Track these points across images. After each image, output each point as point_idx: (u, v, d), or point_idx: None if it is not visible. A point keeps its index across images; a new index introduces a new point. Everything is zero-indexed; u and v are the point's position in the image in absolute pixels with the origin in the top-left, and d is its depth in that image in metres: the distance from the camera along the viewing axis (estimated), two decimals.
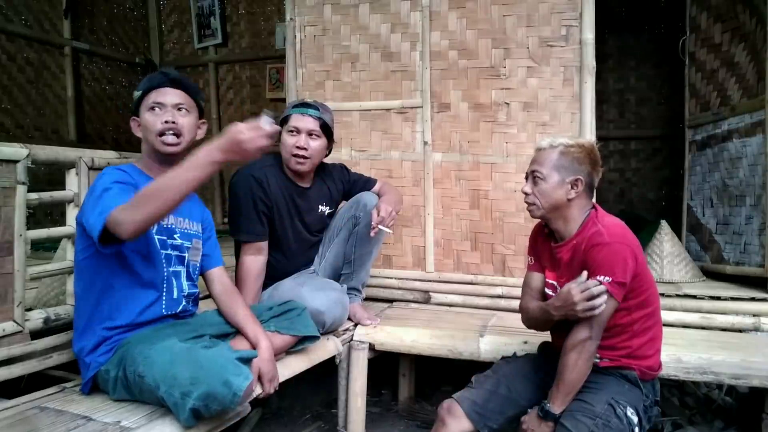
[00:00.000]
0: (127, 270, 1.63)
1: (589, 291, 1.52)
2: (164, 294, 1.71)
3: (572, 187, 1.65)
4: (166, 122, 1.66)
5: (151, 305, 1.68)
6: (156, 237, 1.69)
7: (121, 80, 5.48)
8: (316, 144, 2.25)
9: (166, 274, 1.71)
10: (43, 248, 3.02)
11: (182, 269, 1.77)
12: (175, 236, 1.75)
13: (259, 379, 1.69)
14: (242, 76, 5.44)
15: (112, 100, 5.37)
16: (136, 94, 1.73)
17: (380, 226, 2.22)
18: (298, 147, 2.21)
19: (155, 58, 5.70)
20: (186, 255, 1.78)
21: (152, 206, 1.39)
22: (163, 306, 1.71)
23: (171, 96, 1.69)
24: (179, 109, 1.70)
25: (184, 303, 1.77)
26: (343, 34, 2.91)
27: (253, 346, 1.75)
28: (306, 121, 2.22)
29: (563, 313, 1.59)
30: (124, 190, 1.51)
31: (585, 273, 1.57)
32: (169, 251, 1.73)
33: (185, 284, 1.78)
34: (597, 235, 1.60)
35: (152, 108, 1.68)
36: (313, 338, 2.00)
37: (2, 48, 4.38)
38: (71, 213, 1.93)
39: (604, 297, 1.53)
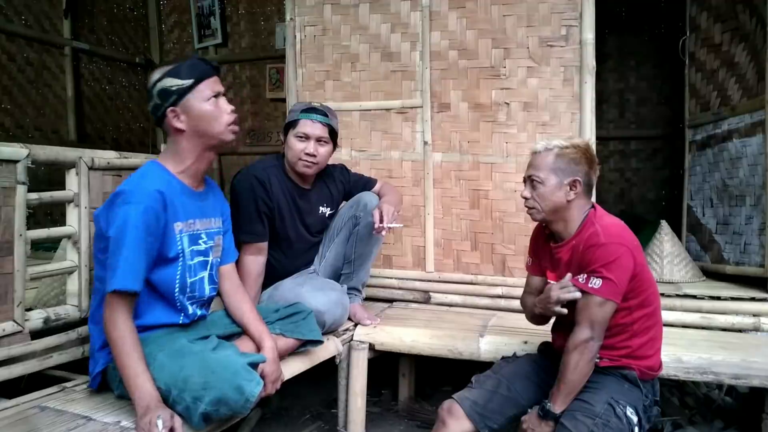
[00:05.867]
0: (148, 286, 1.58)
1: (562, 288, 1.62)
2: (183, 311, 1.68)
3: (571, 189, 1.65)
4: None
5: (168, 317, 1.65)
6: (188, 250, 1.65)
7: (121, 80, 5.46)
8: (324, 150, 2.26)
9: (186, 293, 1.67)
10: (43, 248, 3.02)
11: (205, 274, 1.73)
12: (200, 241, 1.70)
13: (263, 379, 1.69)
14: (242, 76, 5.43)
15: (112, 100, 5.35)
16: None
17: (386, 224, 2.21)
18: (307, 154, 2.21)
19: (155, 58, 5.69)
20: (209, 258, 1.74)
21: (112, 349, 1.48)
22: (180, 320, 1.68)
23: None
24: None
25: (202, 311, 1.76)
26: (343, 34, 2.91)
27: (257, 346, 1.74)
28: (315, 128, 2.23)
29: (543, 306, 1.70)
30: (142, 248, 1.48)
31: (569, 275, 1.63)
32: (194, 261, 1.68)
33: (207, 289, 1.74)
34: (594, 235, 1.61)
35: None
36: (316, 342, 1.99)
37: (2, 48, 4.36)
38: (71, 213, 1.93)
39: (577, 294, 1.59)
